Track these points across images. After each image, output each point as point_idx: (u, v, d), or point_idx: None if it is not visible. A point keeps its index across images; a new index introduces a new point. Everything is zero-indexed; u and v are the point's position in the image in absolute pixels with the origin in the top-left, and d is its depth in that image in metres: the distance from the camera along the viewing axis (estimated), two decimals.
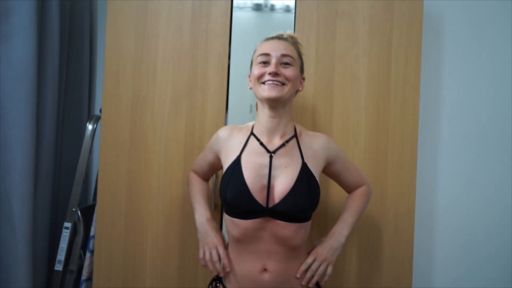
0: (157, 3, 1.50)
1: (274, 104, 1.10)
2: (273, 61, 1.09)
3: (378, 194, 1.47)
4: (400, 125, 1.48)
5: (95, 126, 1.68)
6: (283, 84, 1.09)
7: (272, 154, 1.11)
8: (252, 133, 1.16)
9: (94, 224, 1.56)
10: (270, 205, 1.06)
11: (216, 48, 1.49)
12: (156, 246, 1.48)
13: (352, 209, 1.20)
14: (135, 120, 1.50)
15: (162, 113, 1.49)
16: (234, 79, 1.48)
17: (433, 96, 1.79)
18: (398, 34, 1.49)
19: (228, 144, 1.17)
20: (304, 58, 1.47)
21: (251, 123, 1.20)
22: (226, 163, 1.14)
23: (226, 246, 1.17)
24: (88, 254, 1.60)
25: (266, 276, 1.07)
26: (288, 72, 1.10)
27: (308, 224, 1.12)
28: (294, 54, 1.13)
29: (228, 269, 1.11)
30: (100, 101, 1.91)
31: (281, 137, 1.14)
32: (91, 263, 1.56)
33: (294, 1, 1.49)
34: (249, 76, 1.19)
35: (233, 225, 1.09)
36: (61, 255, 1.61)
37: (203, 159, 1.28)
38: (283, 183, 1.07)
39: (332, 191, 1.46)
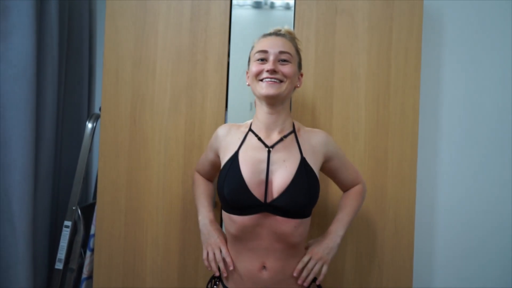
0: (156, 2, 1.50)
1: (272, 101, 1.10)
2: (271, 58, 1.09)
3: (378, 193, 1.47)
4: (400, 123, 1.48)
5: (94, 124, 1.68)
6: (281, 81, 1.09)
7: (270, 149, 1.10)
8: (250, 129, 1.16)
9: (94, 222, 1.56)
10: (269, 200, 1.05)
11: (215, 46, 1.49)
12: (156, 245, 1.48)
13: (347, 209, 1.20)
14: (134, 119, 1.49)
15: (161, 111, 1.49)
16: (233, 77, 1.48)
17: (433, 94, 1.79)
18: (398, 31, 1.49)
19: (227, 141, 1.17)
20: (303, 56, 1.48)
21: (250, 121, 1.20)
22: (224, 159, 1.14)
23: None
24: (88, 253, 1.60)
25: (265, 274, 1.07)
26: (286, 69, 1.09)
27: (307, 220, 1.11)
28: (292, 51, 1.12)
29: (232, 267, 1.10)
30: (99, 100, 1.90)
31: (279, 132, 1.14)
32: (92, 261, 1.57)
33: None
34: (247, 72, 1.18)
35: (231, 221, 1.09)
36: (61, 254, 1.61)
37: (205, 158, 1.29)
38: (281, 177, 1.06)
39: (332, 189, 1.46)
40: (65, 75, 1.80)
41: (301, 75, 1.19)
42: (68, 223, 1.62)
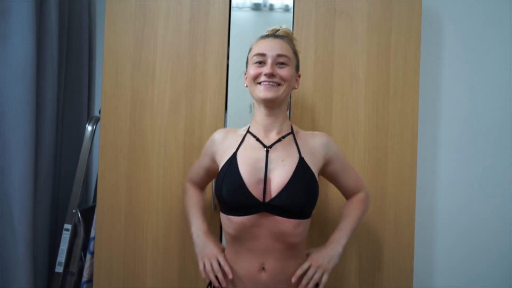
0: (155, 4, 1.50)
1: (270, 104, 1.12)
2: (269, 61, 1.09)
3: (378, 194, 1.47)
4: (400, 124, 1.48)
5: (94, 127, 1.68)
6: (278, 84, 1.10)
7: (269, 149, 1.11)
8: (248, 131, 1.17)
9: (94, 225, 1.56)
10: (267, 199, 1.05)
11: (214, 48, 1.49)
12: (156, 247, 1.48)
13: (350, 217, 1.19)
14: (134, 121, 1.49)
15: (161, 113, 1.49)
16: (233, 79, 1.48)
17: (433, 94, 1.79)
18: (397, 32, 1.49)
19: (224, 144, 1.17)
20: (303, 57, 1.48)
21: (247, 125, 1.21)
22: (222, 162, 1.13)
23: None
24: (88, 256, 1.59)
25: (264, 275, 1.07)
26: (284, 72, 1.10)
27: (307, 221, 1.10)
28: (290, 53, 1.13)
29: (231, 276, 1.08)
30: (99, 102, 1.90)
31: (278, 133, 1.15)
32: (92, 264, 1.56)
33: (292, 1, 1.49)
34: (245, 73, 1.19)
35: (229, 222, 1.08)
36: (61, 257, 1.61)
37: (199, 165, 1.28)
38: (279, 176, 1.06)
39: (331, 192, 1.46)
40: (64, 78, 1.80)
41: (299, 76, 1.20)
42: (68, 226, 1.62)
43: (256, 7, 1.50)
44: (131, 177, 1.49)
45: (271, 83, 1.09)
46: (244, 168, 1.07)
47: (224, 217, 1.10)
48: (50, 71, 1.63)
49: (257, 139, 1.13)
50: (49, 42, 1.62)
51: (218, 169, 1.19)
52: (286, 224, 1.05)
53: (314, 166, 1.12)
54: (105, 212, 1.49)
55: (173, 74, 1.49)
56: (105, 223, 1.48)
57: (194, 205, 1.25)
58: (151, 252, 1.48)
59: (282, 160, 1.09)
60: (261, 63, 1.11)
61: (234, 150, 1.12)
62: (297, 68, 1.18)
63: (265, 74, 1.09)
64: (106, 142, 1.49)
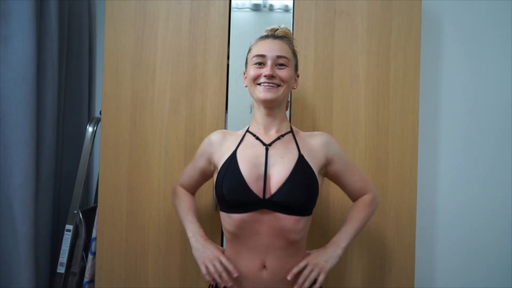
0: (156, 4, 1.50)
1: (269, 105, 1.13)
2: (269, 62, 1.10)
3: (379, 193, 1.47)
4: (400, 123, 1.49)
5: (95, 128, 1.68)
6: (278, 85, 1.11)
7: (268, 146, 1.12)
8: (248, 131, 1.18)
9: (95, 226, 1.56)
10: (267, 196, 1.06)
11: (215, 48, 1.49)
12: (157, 247, 1.48)
13: (354, 220, 1.16)
14: (135, 121, 1.50)
15: (161, 113, 1.49)
16: (233, 79, 1.48)
17: (433, 94, 1.79)
18: (397, 32, 1.50)
19: (223, 146, 1.17)
20: (303, 57, 1.48)
21: (247, 126, 1.22)
22: (221, 161, 1.14)
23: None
24: (90, 256, 1.60)
25: (265, 274, 1.07)
26: (283, 73, 1.11)
27: (307, 219, 1.10)
28: (289, 54, 1.14)
29: (236, 274, 1.07)
30: (100, 103, 1.90)
31: (277, 132, 1.16)
32: (93, 265, 1.56)
33: (292, 1, 1.49)
34: (244, 73, 1.21)
35: (229, 219, 1.08)
36: (63, 258, 1.61)
37: (194, 168, 1.26)
38: (279, 173, 1.07)
39: (333, 191, 1.46)
40: (65, 79, 1.80)
41: (297, 76, 1.21)
42: (69, 227, 1.62)
43: (256, 8, 1.50)
44: (132, 178, 1.49)
45: (270, 84, 1.10)
46: (244, 166, 1.08)
47: (224, 215, 1.11)
48: (51, 71, 1.63)
49: (257, 138, 1.14)
50: (49, 43, 1.62)
51: (213, 170, 1.20)
52: (286, 221, 1.05)
53: (314, 164, 1.12)
54: (106, 213, 1.49)
55: (174, 74, 1.50)
56: (106, 223, 1.49)
57: (188, 209, 1.23)
58: (152, 252, 1.48)
59: (282, 157, 1.10)
60: (261, 64, 1.12)
61: (233, 149, 1.13)
62: (296, 68, 1.19)
63: (265, 76, 1.10)
64: (106, 143, 1.49)
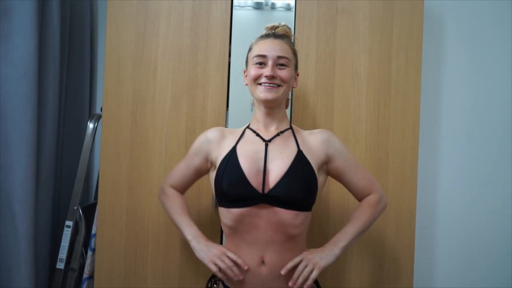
0: (157, 2, 1.50)
1: (270, 104, 1.14)
2: (270, 63, 1.11)
3: None
4: (401, 122, 1.48)
5: (96, 125, 1.68)
6: (278, 85, 1.13)
7: (268, 143, 1.13)
8: (248, 127, 1.20)
9: (95, 222, 1.57)
10: (266, 191, 1.06)
11: (216, 46, 1.49)
12: (157, 244, 1.48)
13: (355, 221, 1.15)
14: (135, 119, 1.50)
15: (162, 111, 1.49)
16: (234, 77, 1.48)
17: (434, 93, 1.79)
18: (399, 31, 1.49)
19: (222, 142, 1.17)
20: (304, 55, 1.48)
21: (247, 124, 1.23)
22: (220, 157, 1.14)
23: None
24: (89, 253, 1.60)
25: (264, 270, 1.07)
26: (284, 73, 1.12)
27: (306, 214, 1.10)
28: (289, 54, 1.15)
29: (246, 267, 1.07)
30: (101, 100, 1.91)
31: (277, 129, 1.17)
32: (93, 261, 1.57)
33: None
34: (244, 71, 1.21)
35: (228, 214, 1.09)
36: (62, 254, 1.61)
37: (187, 167, 1.24)
38: (277, 167, 1.08)
39: (333, 188, 1.46)
40: (66, 76, 1.80)
41: (297, 75, 1.22)
42: (69, 223, 1.62)
43: (258, 6, 1.50)
44: (132, 175, 1.49)
45: (271, 85, 1.12)
46: (244, 160, 1.09)
47: (223, 210, 1.11)
48: (52, 68, 1.63)
49: (257, 134, 1.16)
50: (51, 40, 1.62)
51: (210, 168, 1.20)
52: (284, 215, 1.06)
53: (314, 160, 1.12)
54: (106, 209, 1.49)
55: (175, 72, 1.50)
56: (106, 220, 1.49)
57: (182, 212, 1.21)
58: (152, 249, 1.48)
59: (281, 152, 1.11)
60: (262, 64, 1.13)
61: (233, 145, 1.14)
62: (296, 67, 1.20)
63: (266, 76, 1.11)
64: (107, 140, 1.50)
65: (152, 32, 1.50)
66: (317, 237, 1.46)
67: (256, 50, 1.14)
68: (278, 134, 1.15)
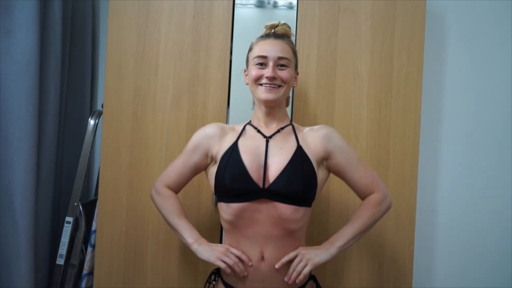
0: None
1: (271, 104, 1.15)
2: (270, 64, 1.12)
3: None
4: (402, 122, 1.48)
5: (97, 121, 1.68)
6: (279, 86, 1.14)
7: (269, 139, 1.14)
8: (248, 123, 1.21)
9: (95, 218, 1.57)
10: (266, 185, 1.07)
11: (218, 43, 1.49)
12: (157, 240, 1.48)
13: (355, 221, 1.14)
14: (136, 115, 1.50)
15: (163, 108, 1.49)
16: (235, 74, 1.48)
17: (435, 93, 1.78)
18: (401, 30, 1.49)
19: (223, 138, 1.17)
20: (306, 54, 1.48)
21: (247, 121, 1.23)
22: (221, 152, 1.14)
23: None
24: (89, 249, 1.60)
25: (263, 266, 1.08)
26: (284, 74, 1.13)
27: (306, 209, 1.10)
28: (290, 55, 1.16)
29: (251, 263, 1.08)
30: (102, 97, 1.91)
31: (277, 126, 1.18)
32: (93, 257, 1.57)
33: None
34: (245, 70, 1.22)
35: (228, 209, 1.09)
36: (62, 249, 1.62)
37: (184, 164, 1.21)
38: (277, 162, 1.09)
39: (333, 186, 1.47)
40: (68, 72, 1.81)
41: (297, 74, 1.23)
42: (69, 219, 1.63)
43: (260, 4, 1.50)
44: (132, 172, 1.49)
45: (272, 85, 1.13)
46: (246, 156, 1.10)
47: (223, 205, 1.12)
48: (54, 64, 1.63)
49: (258, 130, 1.17)
50: (53, 36, 1.63)
51: (209, 164, 1.19)
52: (284, 209, 1.06)
53: (313, 155, 1.13)
54: (106, 206, 1.49)
55: (176, 69, 1.50)
56: (106, 216, 1.49)
57: (180, 214, 1.20)
58: (151, 246, 1.49)
59: (281, 148, 1.12)
60: (262, 64, 1.14)
61: (234, 140, 1.15)
62: (296, 66, 1.21)
63: (267, 77, 1.12)
64: (108, 136, 1.50)
65: (154, 29, 1.50)
66: (317, 236, 1.46)
67: (257, 51, 1.15)
68: (278, 131, 1.16)
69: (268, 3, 1.50)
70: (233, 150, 1.12)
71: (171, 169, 1.25)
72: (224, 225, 1.15)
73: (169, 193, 1.23)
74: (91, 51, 1.91)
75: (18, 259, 1.48)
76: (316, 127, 1.20)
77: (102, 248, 1.49)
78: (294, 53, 1.19)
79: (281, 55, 1.13)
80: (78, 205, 1.64)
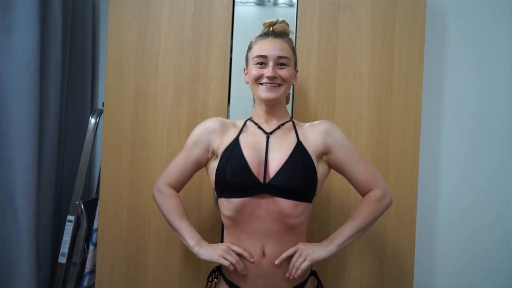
0: None
1: (271, 103, 1.16)
2: (270, 63, 1.13)
3: None
4: (403, 119, 1.48)
5: (97, 119, 1.68)
6: (279, 85, 1.14)
7: (269, 135, 1.15)
8: (249, 119, 1.21)
9: (97, 217, 1.57)
10: (267, 180, 1.08)
11: (218, 41, 1.49)
12: (158, 239, 1.49)
13: (354, 218, 1.13)
14: (137, 114, 1.50)
15: (164, 106, 1.50)
16: (236, 72, 1.48)
17: (436, 91, 1.78)
18: (401, 27, 1.49)
19: (224, 133, 1.18)
20: (306, 51, 1.48)
21: (248, 117, 1.24)
22: (222, 146, 1.15)
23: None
24: (91, 247, 1.61)
25: (264, 262, 1.09)
26: (284, 73, 1.14)
27: (306, 205, 1.11)
28: (289, 53, 1.16)
29: (253, 260, 1.09)
30: (102, 95, 1.91)
31: (277, 122, 1.19)
32: (94, 255, 1.58)
33: None
34: (244, 69, 1.23)
35: (229, 204, 1.10)
36: (64, 248, 1.62)
37: (186, 160, 1.20)
38: (277, 158, 1.10)
39: (334, 183, 1.47)
40: (68, 70, 1.81)
41: (296, 71, 1.23)
42: (71, 217, 1.63)
43: (260, 2, 1.50)
44: (133, 170, 1.50)
45: (272, 85, 1.14)
46: (247, 151, 1.10)
47: (223, 201, 1.12)
48: (54, 63, 1.63)
49: (259, 126, 1.18)
50: (53, 34, 1.63)
51: (210, 158, 1.19)
52: (284, 205, 1.07)
53: (312, 150, 1.13)
54: (108, 204, 1.50)
55: (176, 67, 1.50)
56: (107, 215, 1.50)
57: (182, 215, 1.19)
58: (153, 243, 1.49)
59: (281, 144, 1.13)
60: (262, 64, 1.14)
61: (235, 135, 1.15)
62: (295, 64, 1.21)
63: (267, 77, 1.13)
64: (109, 135, 1.50)
65: (154, 27, 1.50)
66: (318, 233, 1.47)
67: (257, 50, 1.15)
68: (279, 127, 1.17)
69: (268, 0, 1.50)
70: (235, 145, 1.12)
71: (172, 167, 1.24)
72: (225, 221, 1.15)
73: (171, 192, 1.22)
74: (92, 50, 1.91)
75: (20, 258, 1.49)
76: (316, 122, 1.20)
77: (103, 246, 1.49)
78: (293, 51, 1.19)
79: (280, 54, 1.13)
80: (79, 203, 1.64)
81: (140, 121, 1.50)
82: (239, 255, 1.10)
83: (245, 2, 1.49)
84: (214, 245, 1.13)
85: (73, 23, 1.83)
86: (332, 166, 1.19)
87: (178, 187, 1.25)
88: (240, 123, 1.20)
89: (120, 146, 1.50)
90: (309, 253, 1.07)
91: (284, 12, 1.50)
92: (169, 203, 1.20)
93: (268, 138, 1.15)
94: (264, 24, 1.21)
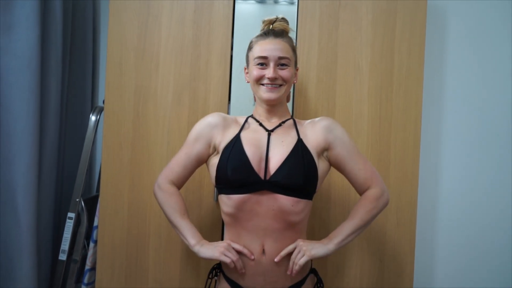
0: None
1: (272, 103, 1.17)
2: (271, 64, 1.13)
3: None
4: (403, 117, 1.48)
5: (98, 117, 1.68)
6: (280, 85, 1.15)
7: (270, 132, 1.15)
8: (250, 116, 1.22)
9: (97, 214, 1.57)
10: (267, 177, 1.08)
11: (218, 39, 1.49)
12: (158, 236, 1.49)
13: (353, 218, 1.13)
14: (138, 111, 1.50)
15: (164, 104, 1.50)
16: (236, 70, 1.48)
17: (436, 88, 1.78)
18: (402, 25, 1.49)
19: (225, 129, 1.18)
20: (307, 49, 1.48)
21: (249, 115, 1.24)
22: (224, 142, 1.15)
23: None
24: (91, 244, 1.61)
25: (264, 259, 1.09)
26: (285, 73, 1.14)
27: (306, 202, 1.11)
28: (290, 53, 1.16)
29: (253, 257, 1.09)
30: (103, 92, 1.91)
31: (278, 120, 1.20)
32: (95, 253, 1.58)
33: None
34: (245, 68, 1.23)
35: (229, 201, 1.10)
36: (65, 245, 1.62)
37: (187, 156, 1.20)
38: (278, 155, 1.11)
39: (334, 180, 1.47)
40: (69, 68, 1.81)
41: (297, 70, 1.23)
42: (71, 214, 1.63)
43: (261, 0, 1.50)
44: (134, 167, 1.50)
45: (273, 85, 1.14)
46: (248, 148, 1.11)
47: (223, 198, 1.12)
48: (55, 60, 1.63)
49: (260, 124, 1.18)
50: (54, 32, 1.62)
51: (210, 154, 1.19)
52: (284, 201, 1.07)
53: (313, 147, 1.14)
54: (108, 202, 1.50)
55: (177, 64, 1.50)
56: (108, 212, 1.50)
57: (183, 213, 1.18)
58: (153, 241, 1.49)
59: (282, 141, 1.14)
60: (263, 64, 1.15)
61: (237, 132, 1.16)
62: (295, 63, 1.22)
63: (268, 78, 1.13)
64: (109, 132, 1.50)
65: (155, 25, 1.50)
66: (318, 230, 1.47)
67: (257, 51, 1.15)
68: (280, 124, 1.18)
69: None
70: (236, 141, 1.13)
71: (174, 163, 1.22)
72: (225, 218, 1.15)
73: (172, 189, 1.21)
74: (92, 47, 1.91)
75: (20, 255, 1.49)
76: (317, 119, 1.21)
77: (104, 244, 1.50)
78: (294, 51, 1.20)
79: (281, 55, 1.13)
80: (80, 201, 1.64)
81: (141, 118, 1.50)
82: (239, 252, 1.10)
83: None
84: (214, 243, 1.14)
85: (74, 21, 1.83)
86: (332, 162, 1.19)
87: (179, 183, 1.24)
88: (242, 120, 1.21)
89: (120, 143, 1.50)
90: (307, 249, 1.08)
91: (285, 10, 1.50)
92: (170, 201, 1.19)
93: (269, 135, 1.15)
94: (263, 22, 1.21)
